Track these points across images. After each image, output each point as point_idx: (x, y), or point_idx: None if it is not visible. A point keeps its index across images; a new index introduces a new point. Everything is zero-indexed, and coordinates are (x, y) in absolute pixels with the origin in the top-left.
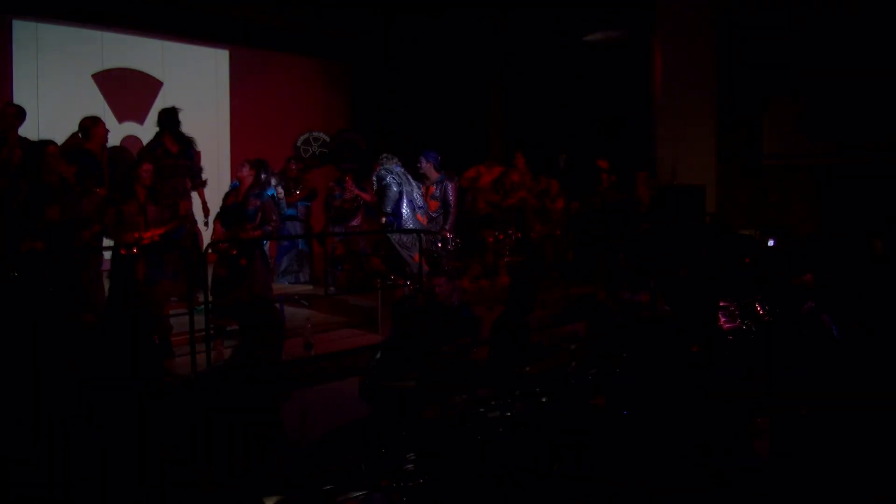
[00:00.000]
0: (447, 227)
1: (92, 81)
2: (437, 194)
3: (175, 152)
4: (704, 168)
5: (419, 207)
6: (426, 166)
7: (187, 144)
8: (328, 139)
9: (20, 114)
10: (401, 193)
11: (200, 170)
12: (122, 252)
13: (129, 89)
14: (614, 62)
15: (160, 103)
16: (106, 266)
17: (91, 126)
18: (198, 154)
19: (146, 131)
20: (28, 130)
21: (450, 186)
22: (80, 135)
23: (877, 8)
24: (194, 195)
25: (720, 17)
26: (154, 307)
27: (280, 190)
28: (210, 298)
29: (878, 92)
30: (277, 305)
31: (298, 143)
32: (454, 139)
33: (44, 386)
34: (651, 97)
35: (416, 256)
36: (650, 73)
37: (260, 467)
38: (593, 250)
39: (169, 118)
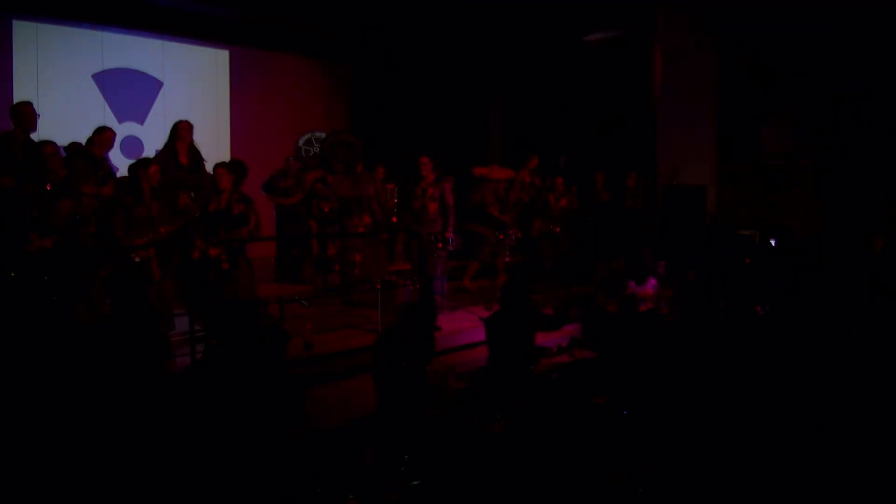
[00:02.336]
0: (449, 227)
1: (92, 81)
2: (436, 195)
3: (185, 164)
4: (704, 168)
5: None
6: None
7: (197, 159)
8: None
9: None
10: None
11: (205, 187)
12: (136, 257)
13: (129, 89)
14: (614, 62)
15: (160, 103)
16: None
17: (96, 134)
18: (205, 171)
19: (146, 131)
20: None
21: (447, 187)
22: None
23: (876, 6)
24: None
25: (720, 17)
26: (164, 306)
27: None
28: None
29: (878, 90)
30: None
31: (300, 144)
32: (454, 139)
33: (46, 383)
34: (651, 97)
35: None
36: (650, 73)
37: (261, 466)
38: (590, 250)
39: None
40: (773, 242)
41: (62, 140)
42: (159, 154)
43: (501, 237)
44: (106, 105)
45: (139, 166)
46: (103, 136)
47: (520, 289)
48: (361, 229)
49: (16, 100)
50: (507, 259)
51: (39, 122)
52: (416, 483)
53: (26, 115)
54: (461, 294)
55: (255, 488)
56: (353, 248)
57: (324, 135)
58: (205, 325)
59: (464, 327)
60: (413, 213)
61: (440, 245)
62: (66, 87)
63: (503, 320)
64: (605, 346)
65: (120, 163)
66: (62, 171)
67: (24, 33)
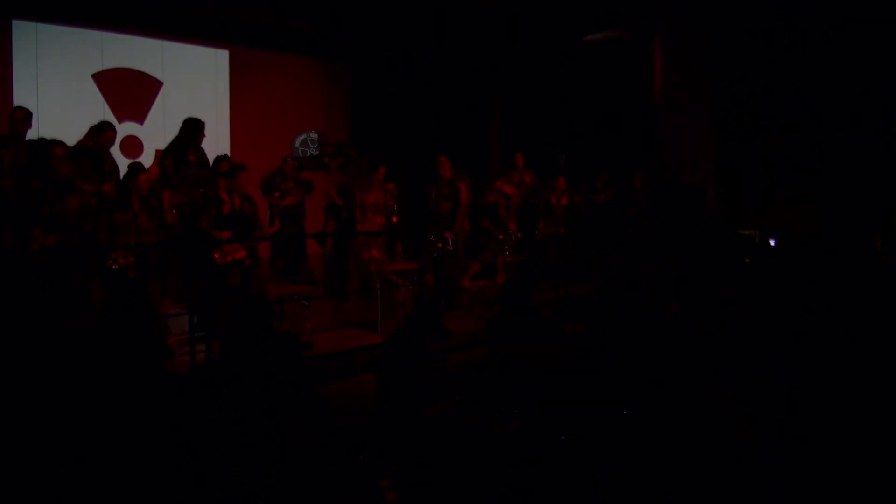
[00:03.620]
0: (455, 226)
1: (92, 81)
2: (448, 195)
3: (194, 161)
4: (704, 168)
5: None
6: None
7: (202, 154)
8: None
9: (28, 117)
10: None
11: (212, 182)
12: (116, 262)
13: (129, 89)
14: (614, 62)
15: (160, 103)
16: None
17: (100, 131)
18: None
19: (146, 131)
20: (28, 131)
21: (462, 187)
22: (89, 139)
23: (873, 5)
24: None
25: (720, 17)
26: (151, 308)
27: None
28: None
29: (878, 90)
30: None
31: (296, 144)
32: (454, 139)
33: (43, 385)
34: (651, 97)
35: None
36: (650, 73)
37: (261, 466)
38: (590, 250)
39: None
40: (772, 242)
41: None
42: (169, 155)
43: (501, 237)
44: (106, 105)
45: (130, 175)
46: (106, 136)
47: (521, 289)
48: (376, 228)
49: (16, 99)
50: (507, 259)
51: (39, 122)
52: (415, 483)
53: (19, 120)
54: (461, 294)
55: (257, 487)
56: (368, 245)
57: (316, 135)
58: (226, 323)
59: (463, 328)
60: (430, 213)
61: (440, 245)
62: (66, 87)
63: (504, 321)
64: (607, 346)
65: (120, 163)
66: (68, 171)
67: (24, 33)
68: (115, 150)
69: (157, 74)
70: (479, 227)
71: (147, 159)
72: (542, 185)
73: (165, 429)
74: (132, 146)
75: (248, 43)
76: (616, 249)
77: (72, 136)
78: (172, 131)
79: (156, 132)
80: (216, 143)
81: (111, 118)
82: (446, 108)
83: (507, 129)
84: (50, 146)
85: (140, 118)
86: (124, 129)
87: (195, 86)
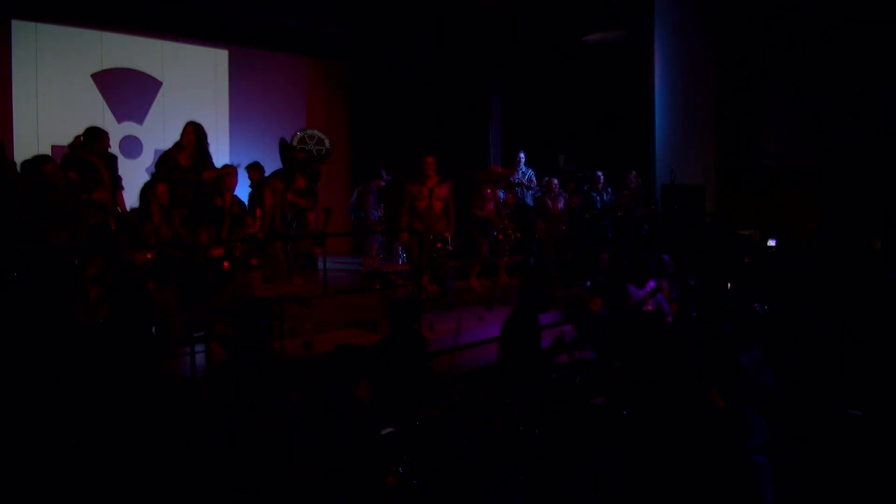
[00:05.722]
0: (451, 225)
1: (91, 81)
2: (441, 195)
3: (185, 166)
4: (704, 168)
5: None
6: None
7: (203, 160)
8: (323, 136)
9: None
10: None
11: (204, 185)
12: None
13: (128, 89)
14: (614, 62)
15: (160, 103)
16: None
17: (95, 139)
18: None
19: (146, 131)
20: (27, 130)
21: (447, 188)
22: (81, 141)
23: (873, 5)
24: None
25: (719, 17)
26: (163, 311)
27: None
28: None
29: (878, 90)
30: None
31: (294, 143)
32: (454, 139)
33: (44, 386)
34: (651, 97)
35: None
36: (650, 73)
37: (263, 465)
38: (587, 250)
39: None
40: (772, 242)
41: (61, 140)
42: (161, 158)
43: (501, 238)
44: (105, 105)
45: (146, 188)
46: (102, 143)
47: (536, 291)
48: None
49: (15, 99)
50: (506, 259)
51: (39, 123)
52: (416, 483)
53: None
54: (469, 293)
55: (258, 486)
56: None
57: (316, 132)
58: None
59: (464, 327)
60: (417, 213)
61: (439, 245)
62: (65, 87)
63: (517, 322)
64: (600, 347)
65: (119, 163)
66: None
67: (24, 33)
68: (115, 151)
69: (157, 74)
70: (472, 236)
71: (146, 159)
72: (541, 186)
73: (166, 428)
74: (132, 146)
75: (248, 43)
76: (611, 250)
77: (71, 136)
78: (172, 131)
79: (155, 132)
80: (215, 143)
81: (111, 118)
82: (446, 108)
83: (507, 129)
84: (39, 163)
85: (139, 118)
86: (124, 129)
87: (195, 86)
